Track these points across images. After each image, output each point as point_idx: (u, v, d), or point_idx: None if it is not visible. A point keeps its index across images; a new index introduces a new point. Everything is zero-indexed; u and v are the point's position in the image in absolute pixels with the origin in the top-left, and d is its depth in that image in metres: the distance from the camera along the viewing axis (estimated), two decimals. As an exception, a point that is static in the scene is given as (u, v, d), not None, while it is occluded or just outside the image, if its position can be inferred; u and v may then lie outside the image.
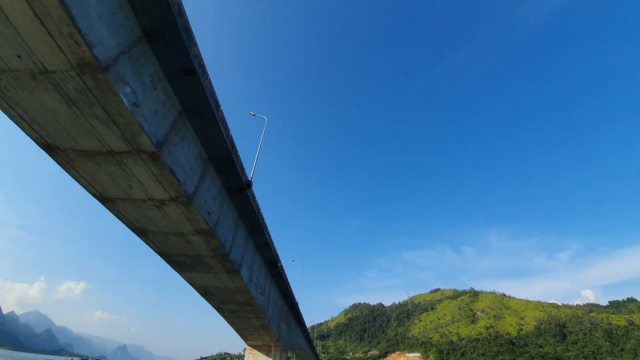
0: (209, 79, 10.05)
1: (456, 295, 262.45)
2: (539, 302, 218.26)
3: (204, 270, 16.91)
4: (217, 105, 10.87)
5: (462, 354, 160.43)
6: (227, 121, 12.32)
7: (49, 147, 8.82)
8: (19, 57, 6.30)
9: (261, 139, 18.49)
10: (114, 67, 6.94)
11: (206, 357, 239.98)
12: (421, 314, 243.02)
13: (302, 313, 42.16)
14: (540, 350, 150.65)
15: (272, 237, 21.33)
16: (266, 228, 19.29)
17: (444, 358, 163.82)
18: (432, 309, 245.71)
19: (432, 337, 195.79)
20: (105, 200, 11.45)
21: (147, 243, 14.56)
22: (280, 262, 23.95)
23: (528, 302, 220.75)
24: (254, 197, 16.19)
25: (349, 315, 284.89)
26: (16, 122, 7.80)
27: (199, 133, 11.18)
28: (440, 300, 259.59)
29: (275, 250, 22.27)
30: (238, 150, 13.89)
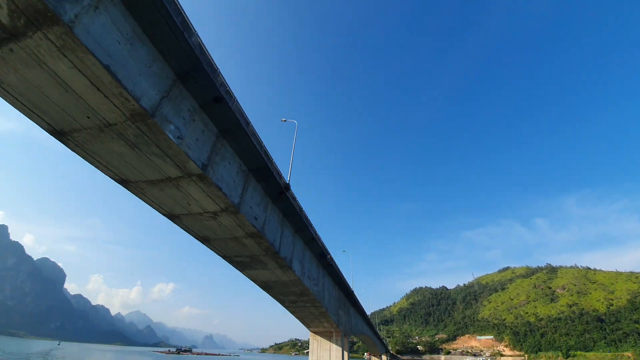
0: (236, 101, 11.11)
1: (530, 272, 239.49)
2: (632, 272, 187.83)
3: (260, 267, 18.63)
4: (247, 123, 11.93)
5: (542, 335, 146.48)
6: (260, 129, 13.46)
7: (123, 181, 10.76)
8: (88, 117, 7.93)
9: (294, 143, 19.43)
10: (158, 111, 8.28)
11: (280, 343, 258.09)
12: (490, 295, 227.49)
13: (359, 301, 43.23)
14: (637, 326, 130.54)
15: (318, 232, 22.38)
16: (310, 225, 20.34)
17: (521, 340, 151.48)
18: (503, 289, 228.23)
19: (504, 319, 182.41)
20: (172, 217, 13.43)
21: (210, 248, 16.58)
22: (329, 254, 24.96)
23: (618, 273, 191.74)
24: (294, 198, 17.24)
25: (411, 300, 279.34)
26: (96, 166, 9.74)
27: (236, 150, 12.41)
28: (511, 280, 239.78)
29: (322, 243, 23.30)
30: (273, 157, 14.98)
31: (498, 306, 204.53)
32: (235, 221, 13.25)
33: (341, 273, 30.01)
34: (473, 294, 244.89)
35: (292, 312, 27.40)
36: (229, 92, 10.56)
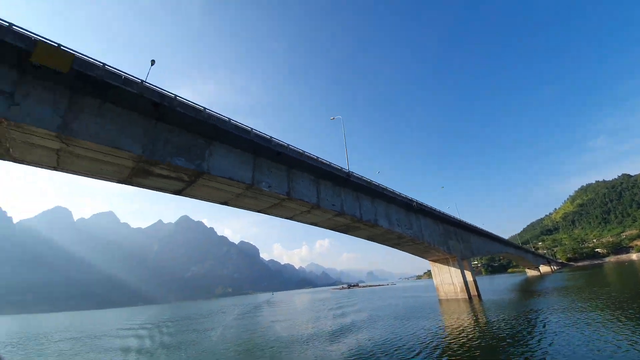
0: (291, 148, 17.20)
1: None
2: None
3: (355, 230, 25.35)
4: (301, 154, 17.92)
5: None
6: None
7: (224, 203, 19.17)
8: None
9: (344, 137, 24.09)
10: (256, 180, 15.46)
11: (428, 271, 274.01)
12: None
13: (477, 226, 44.50)
14: None
15: (396, 190, 26.77)
16: (384, 189, 25.03)
17: None
18: None
19: None
20: (290, 217, 21.49)
21: (319, 226, 24.32)
22: (414, 202, 28.95)
23: None
24: (359, 178, 22.40)
25: (577, 201, 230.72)
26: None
27: (304, 169, 18.71)
28: None
29: (404, 197, 27.55)
30: (332, 161, 20.57)
31: None
32: (321, 211, 20.06)
33: (438, 211, 33.29)
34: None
35: (402, 250, 33.47)
36: (285, 147, 16.78)
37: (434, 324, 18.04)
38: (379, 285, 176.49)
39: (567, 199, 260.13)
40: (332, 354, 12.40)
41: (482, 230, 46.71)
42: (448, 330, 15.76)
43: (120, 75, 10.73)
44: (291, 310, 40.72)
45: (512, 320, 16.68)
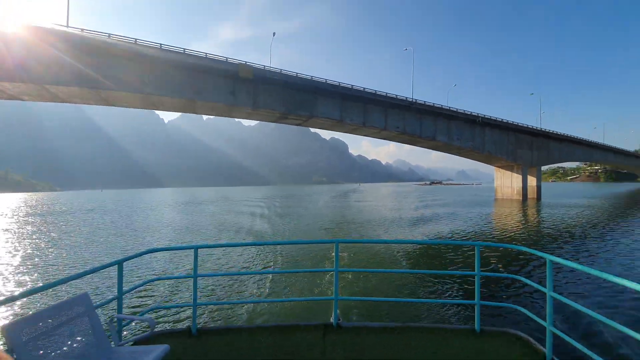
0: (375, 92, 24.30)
1: None
2: None
3: (418, 142, 32.35)
4: (376, 94, 24.82)
5: None
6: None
7: (298, 125, 28.55)
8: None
9: (412, 66, 28.14)
10: (368, 122, 24.22)
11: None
12: None
13: (564, 133, 42.85)
14: None
15: (460, 109, 30.82)
16: (447, 109, 29.77)
17: None
18: None
19: None
20: (353, 131, 30.29)
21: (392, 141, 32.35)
22: (479, 117, 32.39)
23: None
24: (422, 104, 27.91)
25: None
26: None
27: (376, 104, 25.93)
28: None
29: (466, 114, 31.47)
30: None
31: None
32: (387, 132, 27.80)
33: (509, 122, 35.45)
34: None
35: (466, 157, 38.70)
36: (362, 90, 24.03)
37: (484, 212, 24.23)
38: (462, 184, 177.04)
39: None
40: (400, 230, 15.36)
41: (566, 136, 44.29)
42: (493, 215, 21.56)
43: (271, 71, 19.91)
44: (374, 198, 51.35)
45: (555, 216, 19.40)
